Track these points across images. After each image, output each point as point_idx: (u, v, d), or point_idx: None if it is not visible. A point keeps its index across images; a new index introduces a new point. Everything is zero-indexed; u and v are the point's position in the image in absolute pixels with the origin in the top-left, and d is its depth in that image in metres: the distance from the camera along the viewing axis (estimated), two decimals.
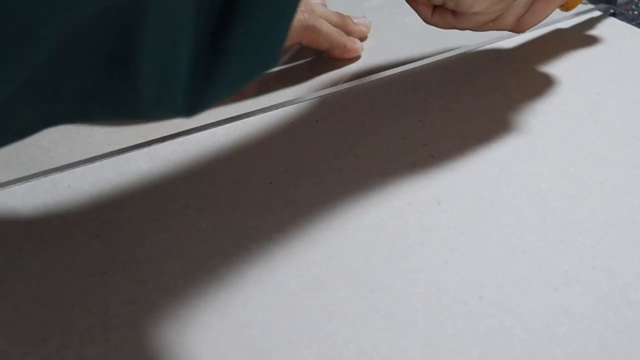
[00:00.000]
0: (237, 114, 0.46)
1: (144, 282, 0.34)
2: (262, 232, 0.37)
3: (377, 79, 0.50)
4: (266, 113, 0.47)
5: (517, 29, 0.48)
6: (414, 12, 0.59)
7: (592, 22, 0.58)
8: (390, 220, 0.38)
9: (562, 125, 0.46)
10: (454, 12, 0.46)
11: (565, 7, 0.52)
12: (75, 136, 0.43)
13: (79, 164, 0.41)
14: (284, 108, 0.47)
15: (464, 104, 0.48)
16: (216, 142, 0.44)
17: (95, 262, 0.35)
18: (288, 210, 0.39)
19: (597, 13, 0.58)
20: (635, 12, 0.58)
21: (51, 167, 0.41)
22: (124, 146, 0.43)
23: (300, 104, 0.48)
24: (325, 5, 0.55)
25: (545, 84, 0.50)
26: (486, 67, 0.52)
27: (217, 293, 0.34)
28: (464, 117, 0.47)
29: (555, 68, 0.52)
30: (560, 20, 0.58)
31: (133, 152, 0.43)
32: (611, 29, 0.57)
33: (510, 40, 0.55)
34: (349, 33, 0.54)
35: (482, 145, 0.44)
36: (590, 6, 0.59)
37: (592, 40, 0.56)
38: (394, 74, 0.51)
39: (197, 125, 0.45)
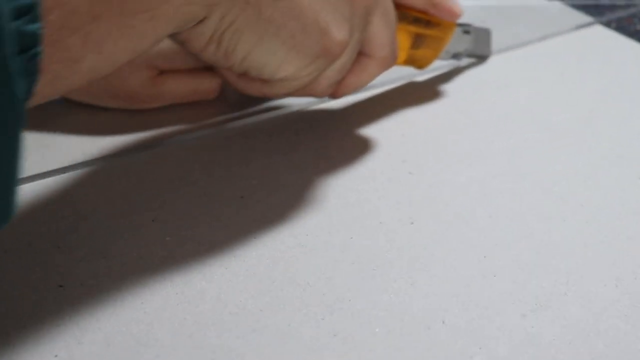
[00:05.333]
0: (216, 123, 0.45)
1: (101, 297, 0.34)
2: (226, 248, 0.36)
3: (363, 92, 0.49)
4: (246, 124, 0.46)
5: (337, 94, 0.42)
6: None
7: (591, 36, 0.56)
8: (359, 239, 0.37)
9: (549, 143, 0.45)
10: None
11: (418, 66, 0.48)
12: (51, 145, 0.43)
13: (50, 173, 0.41)
14: (264, 120, 0.46)
15: (447, 120, 0.47)
16: (190, 153, 0.43)
17: (53, 275, 0.35)
18: (256, 226, 0.38)
19: (597, 26, 0.57)
20: (638, 27, 0.57)
21: (21, 176, 0.40)
22: (97, 156, 0.42)
23: (281, 115, 0.47)
24: None
25: (536, 99, 0.49)
26: (472, 82, 0.51)
27: (173, 310, 0.33)
28: (447, 133, 0.45)
29: (549, 82, 0.51)
30: (559, 33, 0.56)
31: (106, 162, 0.42)
32: (611, 43, 0.55)
33: (503, 53, 0.54)
34: None
35: (463, 162, 0.43)
36: (589, 19, 0.57)
37: (590, 54, 0.54)
38: (381, 87, 0.50)
39: (171, 131, 0.44)
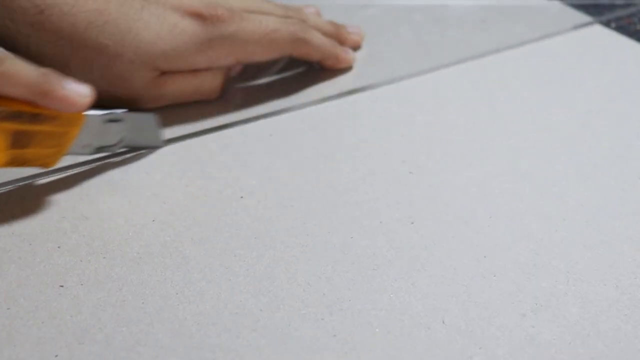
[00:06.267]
0: (217, 124, 0.45)
1: (101, 297, 0.34)
2: (226, 249, 0.36)
3: (364, 92, 0.49)
4: (246, 124, 0.46)
5: None
6: (409, 23, 0.58)
7: (590, 36, 0.56)
8: (359, 239, 0.37)
9: (548, 144, 0.45)
10: None
11: (40, 165, 0.39)
12: None
13: (51, 173, 0.41)
14: (265, 120, 0.46)
15: (449, 120, 0.47)
16: (192, 153, 0.43)
17: (54, 275, 0.35)
18: (255, 226, 0.38)
19: (596, 26, 0.57)
20: (638, 27, 0.56)
21: (23, 175, 0.40)
22: (97, 156, 0.42)
23: (283, 116, 0.47)
24: (320, 15, 0.54)
25: (535, 99, 0.49)
26: (478, 82, 0.51)
27: (172, 310, 0.33)
28: (447, 133, 0.45)
29: (549, 82, 0.51)
30: (558, 32, 0.56)
31: (107, 161, 0.42)
32: (611, 42, 0.55)
33: (503, 53, 0.54)
34: (342, 42, 0.53)
35: (463, 162, 0.43)
36: (588, 19, 0.57)
37: (589, 54, 0.54)
38: (382, 86, 0.50)
39: (174, 136, 0.44)
